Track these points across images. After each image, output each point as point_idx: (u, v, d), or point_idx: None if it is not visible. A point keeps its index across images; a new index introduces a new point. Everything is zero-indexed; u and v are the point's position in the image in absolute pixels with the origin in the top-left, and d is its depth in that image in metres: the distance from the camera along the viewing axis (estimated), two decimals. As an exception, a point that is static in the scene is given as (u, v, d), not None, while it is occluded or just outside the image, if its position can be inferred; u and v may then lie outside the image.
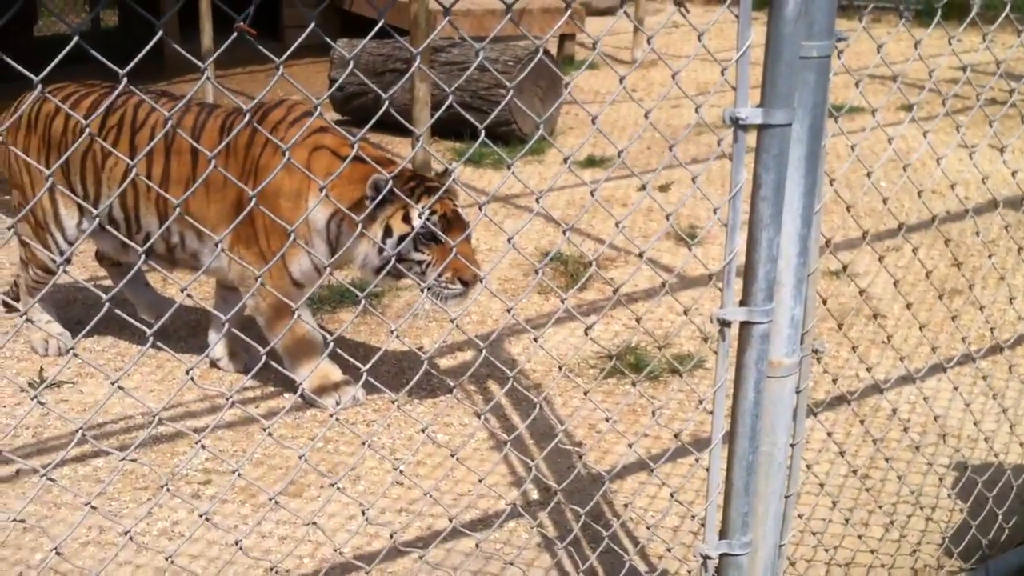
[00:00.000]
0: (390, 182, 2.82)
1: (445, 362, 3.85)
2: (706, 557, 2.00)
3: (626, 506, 2.99)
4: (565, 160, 1.95)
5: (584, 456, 3.25)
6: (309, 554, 2.82)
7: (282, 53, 1.59)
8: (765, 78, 1.76)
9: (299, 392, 2.88)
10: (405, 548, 2.75)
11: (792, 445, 2.15)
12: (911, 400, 3.52)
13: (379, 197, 3.09)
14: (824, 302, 2.57)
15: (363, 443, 3.23)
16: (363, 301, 1.98)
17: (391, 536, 2.79)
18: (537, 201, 1.89)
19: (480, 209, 1.88)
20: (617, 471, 3.14)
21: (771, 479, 2.03)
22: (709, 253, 4.79)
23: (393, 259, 3.15)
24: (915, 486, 2.93)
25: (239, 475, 1.93)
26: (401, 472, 3.10)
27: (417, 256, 3.22)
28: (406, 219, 3.22)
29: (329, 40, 1.73)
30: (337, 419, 3.37)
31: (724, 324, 1.89)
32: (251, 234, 3.36)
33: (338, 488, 2.04)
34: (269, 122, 3.40)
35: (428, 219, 3.18)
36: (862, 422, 2.74)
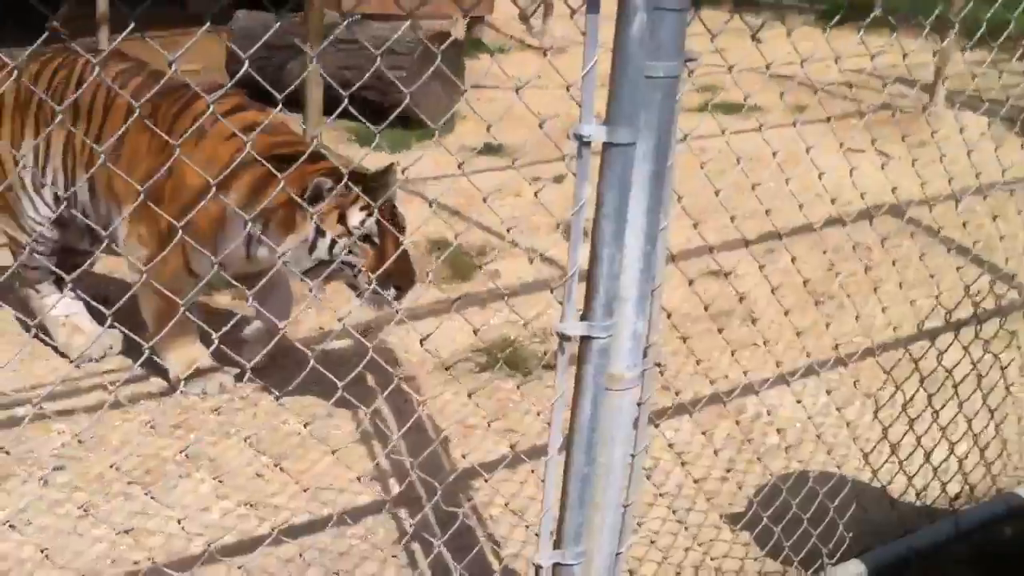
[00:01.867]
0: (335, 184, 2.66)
1: (322, 351, 3.81)
2: (538, 567, 2.02)
3: (486, 504, 3.00)
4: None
5: (451, 452, 3.26)
6: (160, 545, 2.77)
7: (184, 20, 1.54)
8: (610, 97, 1.77)
9: (165, 377, 2.81)
10: (260, 542, 2.72)
11: (632, 456, 2.19)
12: (775, 404, 3.60)
13: (314, 197, 2.95)
14: (706, 307, 2.62)
15: (245, 438, 3.17)
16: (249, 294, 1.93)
17: (263, 530, 2.76)
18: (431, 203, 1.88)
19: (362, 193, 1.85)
20: (480, 466, 3.14)
21: (609, 490, 2.06)
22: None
23: (324, 262, 3.03)
24: (759, 492, 3.00)
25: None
26: (268, 462, 3.07)
27: (350, 258, 3.05)
28: (341, 220, 3.05)
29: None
30: (196, 412, 3.32)
31: (564, 338, 1.89)
32: (154, 215, 3.23)
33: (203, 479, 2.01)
34: (194, 110, 3.22)
35: (363, 221, 3.03)
36: (738, 423, 2.80)
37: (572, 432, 1.96)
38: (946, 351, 2.88)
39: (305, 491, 2.96)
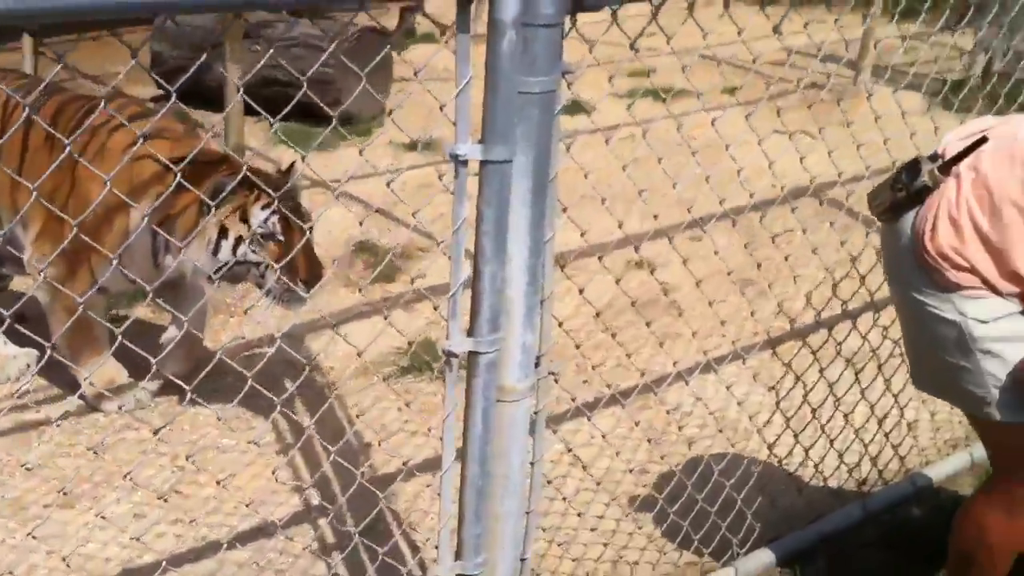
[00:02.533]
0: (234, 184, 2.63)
1: (243, 360, 3.79)
2: (438, 580, 2.04)
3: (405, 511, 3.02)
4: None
5: (372, 457, 3.27)
6: (79, 566, 2.75)
7: (111, 21, 1.51)
8: (484, 115, 1.78)
9: (79, 394, 2.78)
10: (179, 559, 2.72)
11: (532, 464, 2.21)
12: (689, 396, 3.64)
13: (218, 199, 2.92)
14: (631, 303, 2.65)
15: (155, 433, 3.15)
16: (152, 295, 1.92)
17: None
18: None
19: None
20: (402, 476, 3.15)
21: (508, 499, 2.08)
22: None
23: (230, 263, 3.01)
24: (665, 486, 3.04)
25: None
26: (185, 477, 3.05)
27: (255, 258, 3.04)
28: (243, 218, 3.03)
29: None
30: (113, 429, 3.29)
31: (451, 355, 1.91)
32: (59, 233, 3.19)
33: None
34: (95, 123, 3.16)
35: (267, 219, 3.02)
36: (637, 422, 2.84)
37: (465, 446, 1.97)
38: (845, 339, 2.94)
39: (224, 504, 2.96)
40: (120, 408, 3.42)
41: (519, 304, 1.94)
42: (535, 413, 2.14)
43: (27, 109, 3.21)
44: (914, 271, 2.14)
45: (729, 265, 2.98)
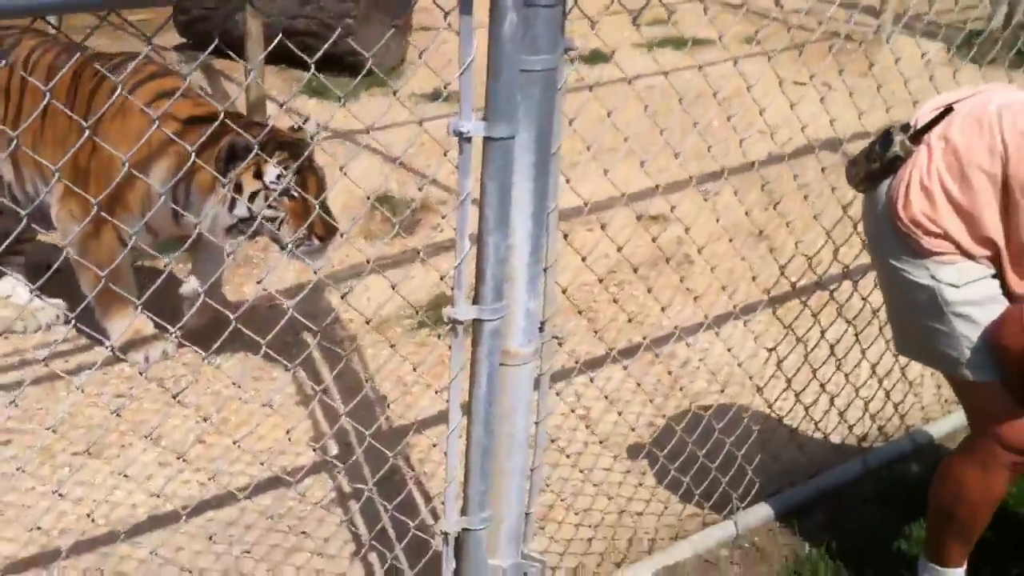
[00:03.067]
0: (250, 142, 2.72)
1: (264, 312, 3.90)
2: (445, 533, 2.15)
3: (420, 461, 3.13)
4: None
5: (389, 410, 3.37)
6: (105, 513, 2.89)
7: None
8: (487, 93, 1.84)
9: (108, 346, 2.89)
10: (203, 507, 2.84)
11: (536, 423, 2.31)
12: (704, 348, 3.72)
13: (233, 157, 3.03)
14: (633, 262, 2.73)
15: (176, 400, 3.26)
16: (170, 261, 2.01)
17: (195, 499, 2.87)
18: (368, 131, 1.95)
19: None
20: (416, 425, 3.26)
21: (513, 457, 2.18)
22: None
23: (246, 218, 3.13)
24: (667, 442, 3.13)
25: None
26: (206, 421, 3.17)
27: (270, 213, 3.15)
28: (258, 175, 3.13)
29: None
30: (144, 376, 3.41)
31: (456, 322, 1.99)
32: (84, 189, 3.29)
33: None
34: (110, 84, 3.24)
35: (281, 175, 3.12)
36: (670, 371, 2.90)
37: (471, 409, 2.07)
38: (848, 299, 3.00)
39: (245, 454, 3.08)
40: (146, 359, 3.54)
41: (522, 273, 2.02)
42: (539, 375, 2.22)
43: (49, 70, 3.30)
44: (890, 238, 2.22)
45: (742, 220, 3.03)
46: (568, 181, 2.30)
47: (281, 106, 5.23)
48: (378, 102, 6.10)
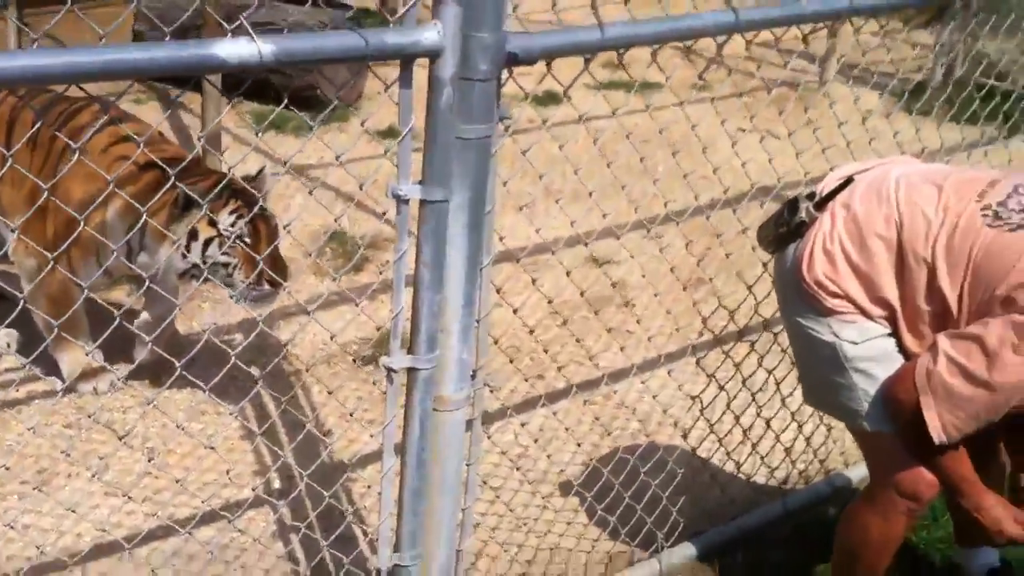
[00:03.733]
0: (204, 192, 2.85)
1: (213, 346, 3.97)
2: (378, 570, 2.27)
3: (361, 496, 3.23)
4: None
5: (331, 445, 3.48)
6: (51, 542, 2.96)
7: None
8: (424, 159, 1.98)
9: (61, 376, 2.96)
10: (147, 537, 2.93)
11: (468, 464, 2.43)
12: (642, 388, 3.86)
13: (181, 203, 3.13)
14: (582, 293, 2.87)
15: (120, 438, 3.34)
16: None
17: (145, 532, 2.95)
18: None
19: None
20: (356, 462, 3.37)
21: (444, 496, 2.30)
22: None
23: (199, 264, 3.22)
24: (593, 483, 3.28)
25: None
26: (151, 461, 3.26)
27: (223, 259, 3.25)
28: (212, 223, 3.23)
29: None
30: (91, 416, 3.48)
31: (391, 370, 2.12)
32: (41, 230, 3.38)
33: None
34: (75, 125, 3.36)
35: (235, 223, 3.23)
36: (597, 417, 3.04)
37: (404, 450, 2.19)
38: (767, 352, 3.16)
39: (190, 487, 3.17)
40: (95, 390, 3.61)
41: (455, 325, 2.15)
42: (471, 419, 2.35)
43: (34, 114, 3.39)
44: (796, 297, 2.39)
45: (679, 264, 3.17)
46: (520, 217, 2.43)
47: (252, 147, 5.32)
48: (331, 137, 6.23)
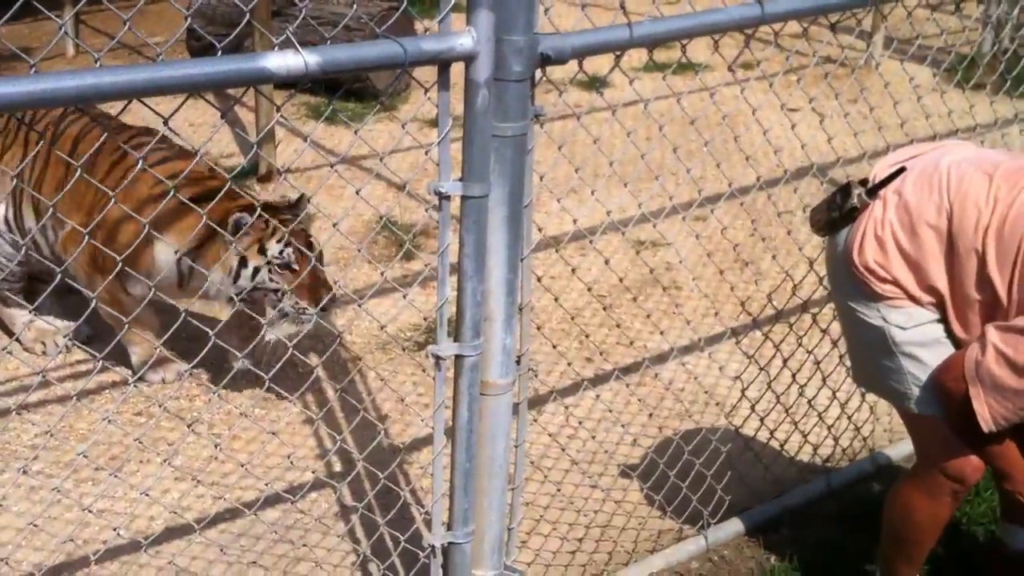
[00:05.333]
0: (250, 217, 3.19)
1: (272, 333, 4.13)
2: (431, 546, 2.39)
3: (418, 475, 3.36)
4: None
5: (387, 428, 3.61)
6: (125, 525, 3.14)
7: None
8: (464, 157, 2.08)
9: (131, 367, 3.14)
10: (216, 519, 3.08)
11: (516, 446, 2.54)
12: (686, 370, 3.94)
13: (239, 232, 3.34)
14: (620, 279, 2.96)
15: (188, 425, 3.51)
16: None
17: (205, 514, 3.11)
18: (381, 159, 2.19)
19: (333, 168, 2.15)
20: (411, 443, 3.50)
21: (494, 478, 2.41)
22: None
23: (249, 289, 3.44)
24: (638, 464, 3.36)
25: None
26: (217, 447, 3.42)
27: (272, 285, 3.46)
28: (261, 251, 3.44)
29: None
30: (159, 401, 3.65)
31: (439, 358, 2.23)
32: (93, 248, 3.55)
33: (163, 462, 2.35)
34: (128, 161, 3.54)
35: (282, 251, 3.43)
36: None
37: (454, 435, 2.30)
38: (807, 331, 3.22)
39: (254, 471, 3.32)
40: (162, 380, 3.79)
41: (499, 313, 2.25)
42: (516, 403, 2.45)
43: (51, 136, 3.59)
44: (846, 281, 2.44)
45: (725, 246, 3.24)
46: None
47: (305, 140, 5.47)
48: (382, 127, 6.35)
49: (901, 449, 3.41)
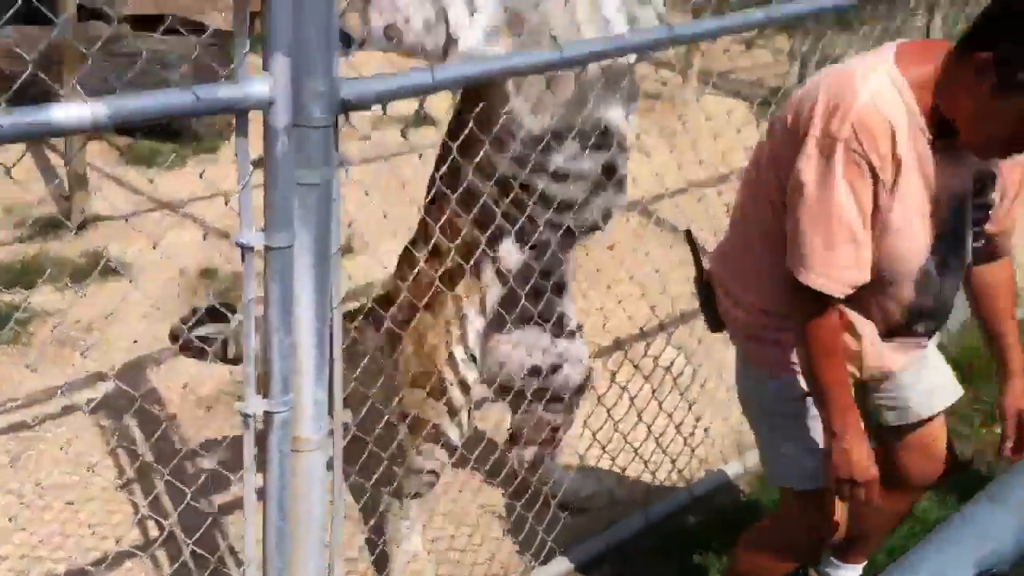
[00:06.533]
0: None
1: (86, 394, 3.91)
2: (243, 612, 2.29)
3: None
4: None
5: (206, 490, 3.46)
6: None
7: None
8: (265, 207, 2.02)
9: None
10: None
11: (331, 501, 2.47)
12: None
13: None
14: None
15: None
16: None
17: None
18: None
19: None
20: (227, 504, 3.37)
21: (311, 534, 2.34)
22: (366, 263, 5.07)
23: None
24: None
25: None
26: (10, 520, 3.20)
27: None
28: None
29: None
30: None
31: (246, 416, 2.15)
32: None
33: None
34: None
35: None
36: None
37: (266, 494, 2.22)
38: (620, 367, 3.28)
39: (66, 540, 3.13)
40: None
41: (309, 364, 2.19)
42: (331, 457, 2.39)
43: None
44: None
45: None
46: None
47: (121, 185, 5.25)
48: (203, 170, 6.11)
49: (715, 479, 3.51)
